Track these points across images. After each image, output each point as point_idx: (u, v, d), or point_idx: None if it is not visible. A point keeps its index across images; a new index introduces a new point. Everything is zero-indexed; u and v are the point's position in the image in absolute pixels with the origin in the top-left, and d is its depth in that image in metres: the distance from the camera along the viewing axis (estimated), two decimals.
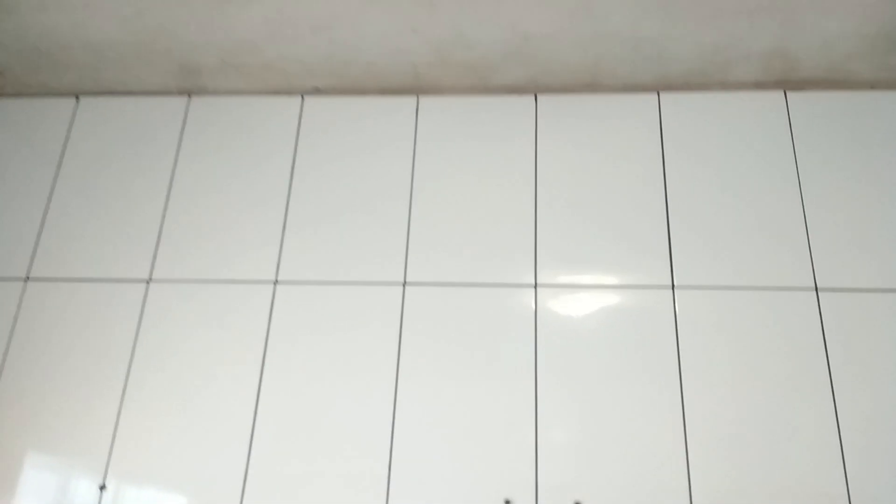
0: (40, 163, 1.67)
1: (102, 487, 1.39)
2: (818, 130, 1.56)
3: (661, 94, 1.63)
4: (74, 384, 1.47)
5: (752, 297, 1.44)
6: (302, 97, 1.70)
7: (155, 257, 1.56)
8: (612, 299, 1.46)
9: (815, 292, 1.43)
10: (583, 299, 1.46)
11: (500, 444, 1.37)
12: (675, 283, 1.46)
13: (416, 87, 1.66)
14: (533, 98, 1.65)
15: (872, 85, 1.59)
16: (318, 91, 1.69)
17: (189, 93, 1.71)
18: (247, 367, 1.46)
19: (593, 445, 1.35)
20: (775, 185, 1.53)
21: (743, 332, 1.41)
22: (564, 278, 1.48)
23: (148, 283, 1.54)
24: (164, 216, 1.60)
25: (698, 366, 1.39)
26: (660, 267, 1.47)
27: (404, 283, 1.50)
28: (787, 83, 1.60)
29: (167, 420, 1.43)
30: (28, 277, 1.56)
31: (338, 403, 1.42)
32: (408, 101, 1.67)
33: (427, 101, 1.67)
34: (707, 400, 1.37)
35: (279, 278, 1.53)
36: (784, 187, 1.52)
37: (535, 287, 1.48)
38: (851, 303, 1.42)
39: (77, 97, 1.74)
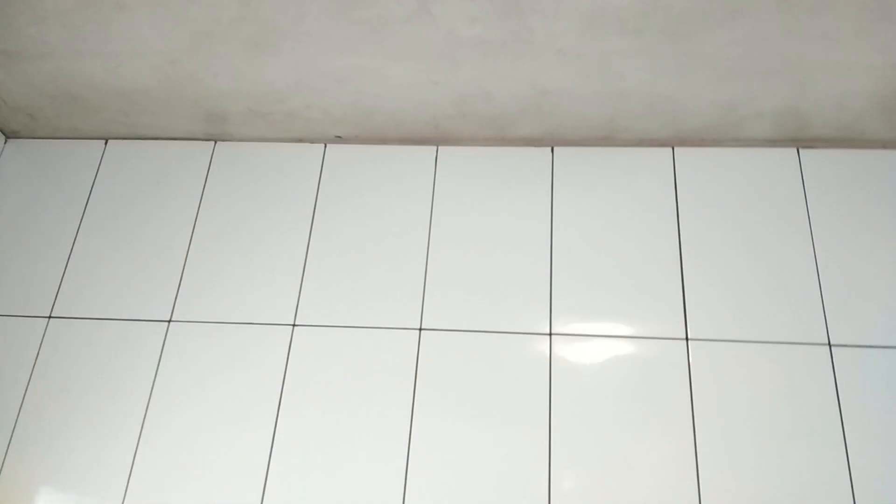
0: (68, 203, 1.71)
1: None
2: (831, 187, 1.59)
3: (675, 149, 1.66)
4: (92, 422, 1.49)
5: (765, 350, 1.45)
6: (325, 145, 1.74)
7: (176, 298, 1.59)
8: (626, 349, 1.47)
9: (828, 347, 1.44)
10: (597, 349, 1.48)
11: (513, 492, 1.37)
12: (689, 336, 1.47)
13: (436, 138, 1.71)
14: (549, 150, 1.69)
15: (885, 144, 1.62)
16: (340, 139, 1.73)
17: (215, 139, 1.76)
18: (263, 409, 1.47)
19: (606, 495, 1.36)
20: (788, 240, 1.55)
21: (756, 386, 1.42)
22: (579, 327, 1.50)
23: (169, 323, 1.57)
24: (186, 258, 1.63)
25: (712, 418, 1.40)
26: (674, 319, 1.49)
27: (420, 329, 1.52)
28: (800, 140, 1.63)
29: (182, 461, 1.44)
30: (51, 315, 1.59)
31: (352, 447, 1.43)
32: (427, 151, 1.71)
33: (446, 151, 1.71)
34: (720, 452, 1.37)
35: (297, 322, 1.55)
36: (797, 242, 1.54)
37: (550, 335, 1.50)
38: (865, 359, 1.43)
39: (106, 141, 1.79)
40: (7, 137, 1.82)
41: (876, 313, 1.46)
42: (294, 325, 1.55)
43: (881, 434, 1.36)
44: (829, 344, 1.44)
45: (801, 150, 1.64)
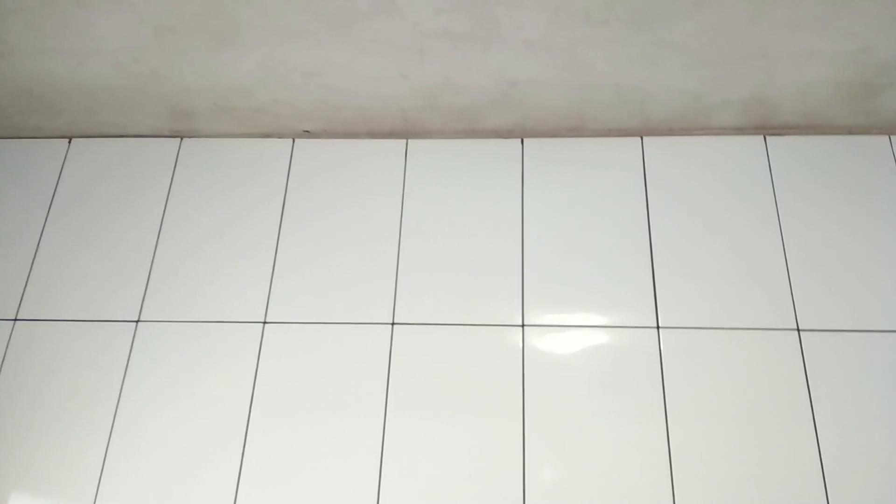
0: (32, 204, 1.68)
1: None
2: (798, 173, 1.61)
3: (644, 139, 1.67)
4: (62, 424, 1.47)
5: (735, 337, 1.46)
6: (293, 140, 1.72)
7: (144, 298, 1.57)
8: (598, 339, 1.48)
9: (797, 332, 1.46)
10: (569, 339, 1.48)
11: (488, 483, 1.37)
12: (659, 324, 1.48)
13: (405, 131, 1.70)
14: (519, 142, 1.69)
15: (850, 130, 1.64)
16: (308, 134, 1.72)
17: (181, 135, 1.74)
18: (235, 407, 1.46)
19: (581, 484, 1.36)
20: (757, 226, 1.56)
21: (727, 372, 1.43)
22: (551, 318, 1.50)
23: (137, 323, 1.54)
24: (154, 257, 1.61)
25: (683, 404, 1.41)
26: (645, 308, 1.50)
27: (392, 323, 1.51)
28: (767, 128, 1.64)
29: (153, 462, 1.43)
30: (17, 318, 1.57)
31: (326, 441, 1.42)
32: (397, 145, 1.70)
33: (416, 145, 1.70)
34: (692, 438, 1.38)
35: (268, 319, 1.53)
36: (765, 229, 1.56)
37: (523, 327, 1.50)
38: (833, 343, 1.44)
39: (69, 139, 1.76)
40: None
41: (844, 298, 1.48)
42: (265, 323, 1.53)
43: (850, 417, 1.38)
44: (798, 329, 1.46)
45: (767, 138, 1.65)
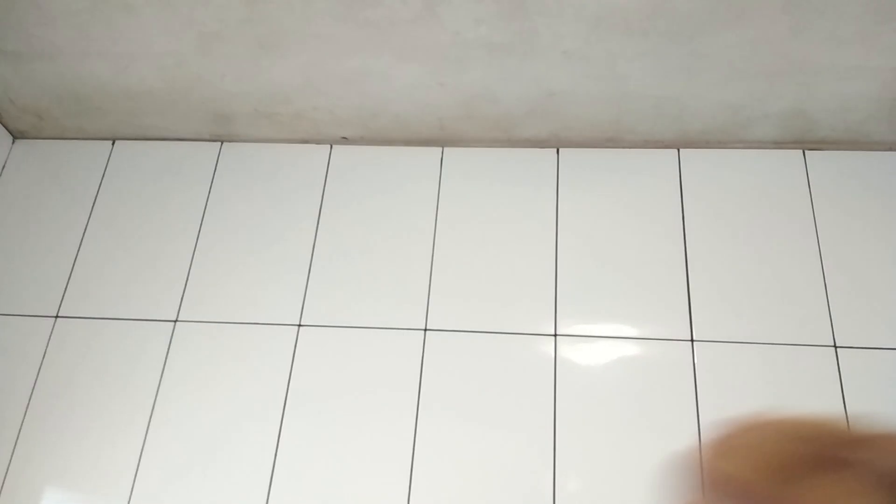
0: (75, 203, 1.72)
1: None
2: (836, 189, 1.59)
3: (681, 151, 1.66)
4: (98, 422, 1.50)
5: (770, 352, 1.45)
6: (330, 146, 1.75)
7: (182, 298, 1.60)
8: (631, 351, 1.47)
9: (834, 349, 1.44)
10: (602, 350, 1.48)
11: (518, 493, 1.37)
12: (694, 337, 1.47)
13: (442, 139, 1.71)
14: (555, 151, 1.69)
15: (891, 146, 1.62)
16: (346, 140, 1.74)
17: (221, 139, 1.77)
18: (268, 409, 1.48)
19: (610, 497, 1.36)
20: (794, 241, 1.55)
21: (762, 388, 1.42)
22: (584, 328, 1.50)
23: (175, 323, 1.57)
24: (192, 258, 1.64)
25: (717, 418, 1.40)
26: (679, 320, 1.49)
27: (425, 329, 1.52)
28: (806, 142, 1.63)
29: (188, 461, 1.45)
30: (58, 315, 1.60)
31: (357, 447, 1.43)
32: (433, 152, 1.72)
33: (451, 153, 1.71)
34: None
35: (303, 322, 1.55)
36: (803, 244, 1.54)
37: (555, 336, 1.50)
38: (870, 361, 1.42)
39: (113, 141, 1.80)
40: (15, 138, 1.82)
41: (881, 315, 1.46)
42: (300, 326, 1.55)
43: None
44: (835, 346, 1.44)
45: (806, 152, 1.64)
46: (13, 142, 1.82)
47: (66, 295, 1.62)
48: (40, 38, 1.52)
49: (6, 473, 1.47)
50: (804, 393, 1.41)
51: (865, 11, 1.31)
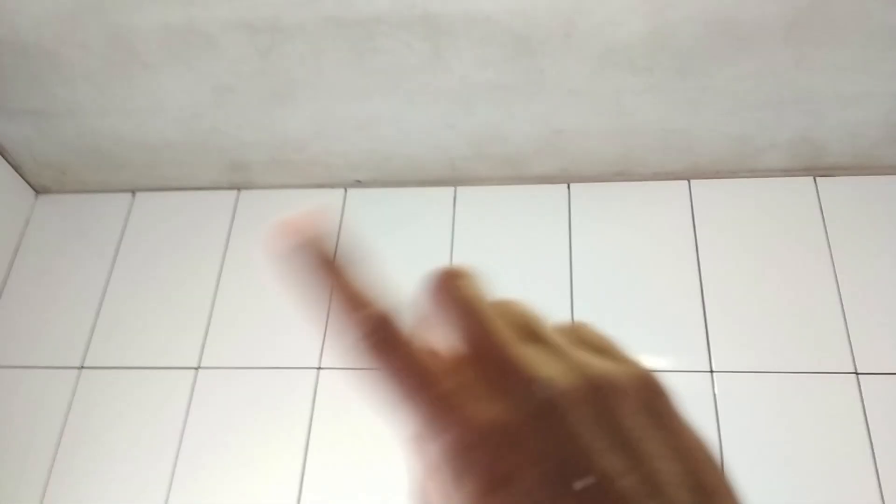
0: (97, 255, 1.76)
1: None
2: (850, 215, 1.59)
3: (691, 182, 1.67)
4: (123, 470, 1.51)
5: (791, 381, 1.44)
6: (345, 189, 1.78)
7: (204, 345, 1.62)
8: None
9: (855, 376, 1.43)
10: None
11: None
12: (713, 368, 1.47)
13: (453, 179, 1.73)
14: (566, 187, 1.71)
15: None
16: (359, 183, 1.77)
17: (238, 187, 1.81)
18: (290, 452, 1.49)
19: None
20: (810, 268, 1.54)
21: (783, 417, 1.41)
22: None
23: (197, 370, 1.59)
24: (213, 304, 1.66)
25: (740, 450, 1.39)
26: (698, 352, 1.49)
27: None
28: (816, 169, 1.64)
29: None
30: (83, 366, 1.63)
31: (377, 485, 1.43)
32: (446, 192, 1.74)
33: (464, 191, 1.74)
34: (749, 484, 1.35)
35: (322, 365, 1.57)
36: (818, 270, 1.54)
37: None
38: (893, 387, 1.41)
39: (133, 193, 1.84)
40: (38, 193, 1.87)
41: None
42: (319, 368, 1.56)
43: None
44: (857, 372, 1.43)
45: (817, 179, 1.64)
46: (36, 197, 1.87)
47: (90, 346, 1.65)
48: (61, 96, 1.57)
49: None
50: (827, 420, 1.40)
51: (866, 41, 1.33)
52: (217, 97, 1.54)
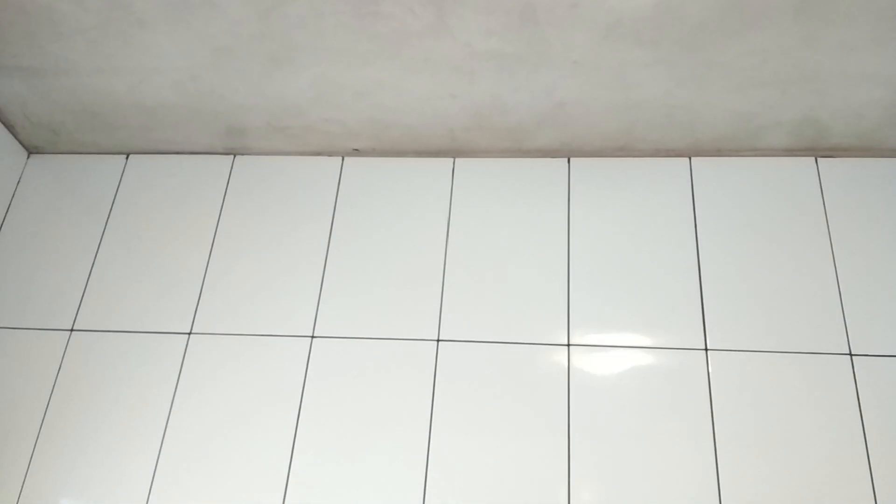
0: (90, 217, 1.73)
1: None
2: (850, 196, 1.58)
3: (692, 159, 1.66)
4: (113, 434, 1.50)
5: (785, 361, 1.44)
6: (342, 158, 1.75)
7: (196, 310, 1.60)
8: (645, 360, 1.47)
9: (849, 357, 1.43)
10: (616, 359, 1.47)
11: (532, 502, 1.37)
12: (708, 346, 1.47)
13: (453, 150, 1.71)
14: (566, 161, 1.69)
15: None
16: (357, 152, 1.75)
17: (234, 152, 1.78)
18: (282, 420, 1.48)
19: None
20: (808, 249, 1.54)
21: (777, 396, 1.41)
22: (597, 338, 1.50)
23: (189, 335, 1.58)
24: (206, 270, 1.64)
25: (732, 428, 1.39)
26: (693, 329, 1.49)
27: (438, 340, 1.52)
28: (818, 150, 1.63)
29: (202, 474, 1.45)
30: (73, 329, 1.61)
31: (372, 457, 1.43)
32: (444, 163, 1.72)
33: (463, 163, 1.72)
34: (741, 463, 1.36)
35: (316, 333, 1.56)
36: (817, 251, 1.53)
37: (568, 346, 1.49)
38: (887, 369, 1.41)
39: (127, 155, 1.81)
40: (30, 153, 1.84)
41: None
42: (312, 337, 1.55)
43: None
44: (851, 353, 1.43)
45: (819, 160, 1.63)
46: (28, 157, 1.84)
47: (81, 308, 1.63)
48: (54, 53, 1.54)
49: (22, 486, 1.47)
50: (820, 401, 1.40)
51: (876, 20, 1.31)
52: (215, 59, 1.51)
